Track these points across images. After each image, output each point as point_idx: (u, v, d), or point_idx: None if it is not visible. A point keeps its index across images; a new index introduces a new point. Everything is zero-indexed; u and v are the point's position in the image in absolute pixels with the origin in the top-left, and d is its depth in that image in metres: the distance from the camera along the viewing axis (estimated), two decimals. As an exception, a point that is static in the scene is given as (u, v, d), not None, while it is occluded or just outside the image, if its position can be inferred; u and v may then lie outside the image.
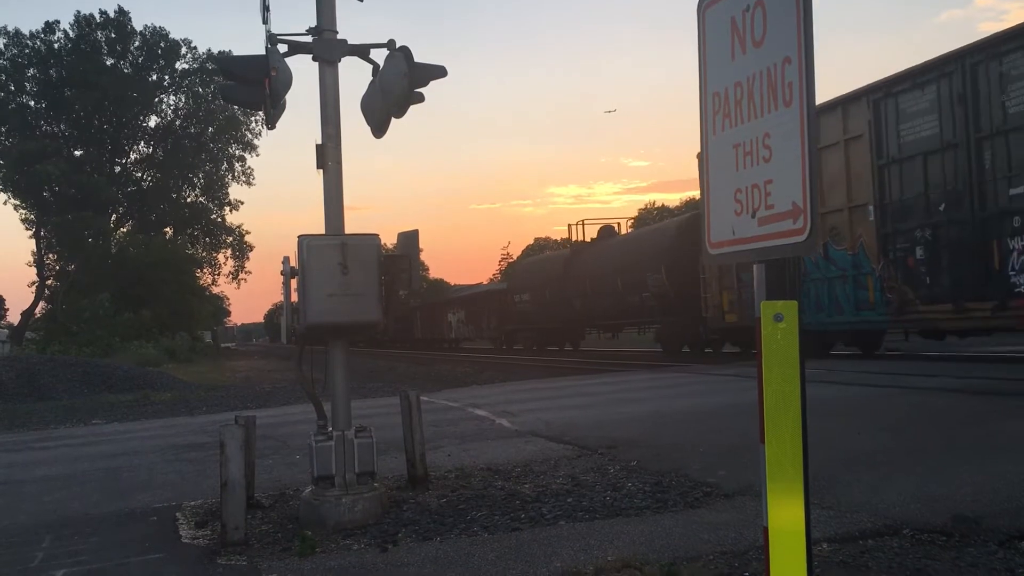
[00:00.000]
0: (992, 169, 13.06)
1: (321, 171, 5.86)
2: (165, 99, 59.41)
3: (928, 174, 14.34)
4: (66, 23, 55.23)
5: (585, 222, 34.65)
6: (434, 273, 75.27)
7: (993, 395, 9.78)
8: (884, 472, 5.91)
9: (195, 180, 61.50)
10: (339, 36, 5.91)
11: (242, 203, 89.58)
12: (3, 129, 54.63)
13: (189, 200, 62.11)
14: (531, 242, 45.75)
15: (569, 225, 39.92)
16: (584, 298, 28.72)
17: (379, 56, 6.01)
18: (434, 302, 44.26)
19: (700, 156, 3.43)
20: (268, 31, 5.73)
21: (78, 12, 57.16)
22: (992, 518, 4.59)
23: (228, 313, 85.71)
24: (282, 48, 5.80)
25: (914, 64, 14.90)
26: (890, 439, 7.30)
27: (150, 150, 60.46)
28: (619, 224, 32.89)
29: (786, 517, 2.59)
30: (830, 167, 16.31)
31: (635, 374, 17.14)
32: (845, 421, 8.38)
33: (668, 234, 24.45)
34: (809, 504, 2.61)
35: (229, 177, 61.61)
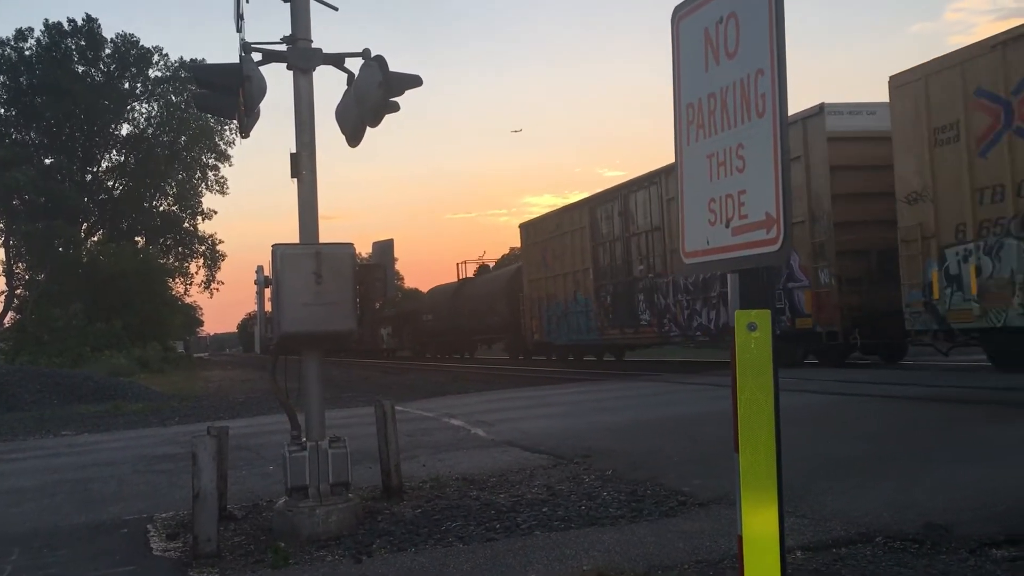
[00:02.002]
0: (632, 254, 23.00)
1: (295, 180, 5.84)
2: (137, 107, 58.63)
3: (613, 253, 24.13)
4: (38, 31, 54.53)
5: (467, 262, 45.31)
6: (409, 283, 75.38)
7: (964, 403, 9.90)
8: (857, 480, 5.96)
9: (168, 189, 60.71)
10: (314, 45, 5.90)
11: (215, 212, 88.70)
12: (-29, 137, 53.77)
13: (161, 209, 61.29)
14: (507, 251, 47.78)
15: (456, 263, 48.38)
16: (466, 320, 37.95)
17: (354, 65, 6.01)
18: (371, 318, 48.40)
19: (677, 169, 3.48)
20: (242, 39, 5.71)
21: (47, 20, 55.99)
22: (963, 525, 4.64)
23: (201, 323, 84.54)
24: (256, 56, 5.78)
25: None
26: (863, 447, 7.37)
27: (122, 158, 59.49)
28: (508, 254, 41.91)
29: (760, 525, 2.60)
30: (572, 246, 26.56)
31: (610, 383, 17.18)
32: (819, 429, 8.44)
33: (506, 278, 34.92)
34: (783, 512, 2.62)
35: (202, 186, 60.95)
